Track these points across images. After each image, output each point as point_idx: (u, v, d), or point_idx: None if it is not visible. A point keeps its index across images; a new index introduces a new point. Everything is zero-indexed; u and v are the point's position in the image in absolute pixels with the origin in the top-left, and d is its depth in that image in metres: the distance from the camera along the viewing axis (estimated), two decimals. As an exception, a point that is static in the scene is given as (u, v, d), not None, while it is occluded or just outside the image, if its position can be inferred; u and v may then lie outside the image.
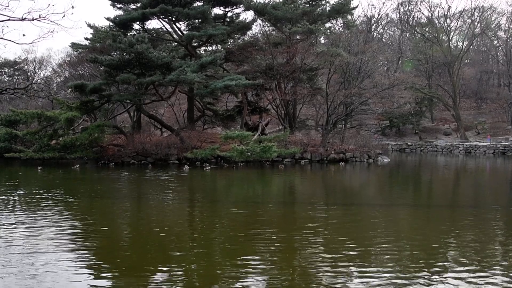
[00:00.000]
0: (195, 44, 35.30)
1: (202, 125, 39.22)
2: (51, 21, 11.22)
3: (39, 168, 24.33)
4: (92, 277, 7.03)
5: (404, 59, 63.78)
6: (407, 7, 67.56)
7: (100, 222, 11.24)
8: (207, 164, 26.65)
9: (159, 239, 9.38)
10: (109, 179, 21.19)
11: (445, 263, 7.67)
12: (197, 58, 31.08)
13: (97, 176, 22.74)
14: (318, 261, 7.90)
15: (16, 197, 14.52)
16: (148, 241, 9.25)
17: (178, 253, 8.35)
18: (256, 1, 33.14)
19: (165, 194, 16.17)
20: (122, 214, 12.71)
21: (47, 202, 13.56)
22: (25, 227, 10.13)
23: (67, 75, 50.97)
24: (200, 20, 33.36)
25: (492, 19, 61.56)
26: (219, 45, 37.43)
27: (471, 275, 7.03)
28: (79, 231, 10.17)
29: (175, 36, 35.19)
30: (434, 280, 6.83)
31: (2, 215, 11.50)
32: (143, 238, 9.58)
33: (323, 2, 35.70)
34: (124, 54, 26.77)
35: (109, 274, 7.21)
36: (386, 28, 76.01)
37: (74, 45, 38.50)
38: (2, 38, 12.46)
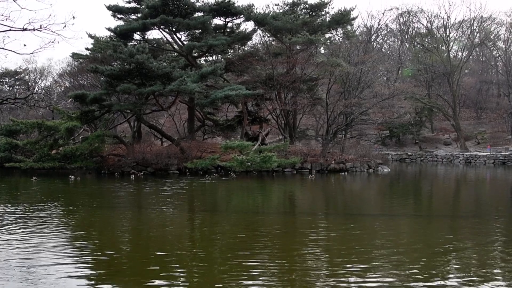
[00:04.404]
0: (195, 54, 35.44)
1: (202, 135, 39.25)
2: (52, 31, 11.25)
3: (34, 178, 24.19)
4: (92, 286, 7.02)
5: (403, 69, 63.99)
6: (406, 17, 67.94)
7: (99, 233, 11.21)
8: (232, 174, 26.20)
9: (159, 250, 9.34)
10: (106, 189, 21.17)
11: (446, 273, 7.63)
12: (197, 68, 31.18)
13: (96, 187, 22.71)
14: (318, 272, 7.87)
15: (9, 209, 14.50)
16: (148, 252, 9.21)
17: (178, 264, 8.31)
18: (256, 12, 33.35)
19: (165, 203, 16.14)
20: (121, 224, 12.68)
21: (43, 213, 13.54)
22: (23, 238, 10.10)
23: (67, 85, 51.17)
24: (200, 30, 33.54)
25: (491, 30, 61.78)
26: (219, 55, 37.58)
27: (473, 285, 7.00)
28: (78, 242, 10.14)
29: (175, 46, 35.34)
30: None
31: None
32: (142, 249, 9.54)
33: (323, 13, 35.95)
34: (125, 64, 26.85)
35: (109, 284, 7.17)
36: (385, 38, 76.36)
37: (75, 55, 38.64)
38: (3, 48, 12.50)
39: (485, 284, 7.10)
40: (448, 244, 9.87)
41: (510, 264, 8.47)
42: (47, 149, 29.00)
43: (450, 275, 7.55)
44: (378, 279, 7.31)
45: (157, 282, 7.19)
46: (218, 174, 27.44)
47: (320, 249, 9.49)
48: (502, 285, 7.06)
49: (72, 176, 24.88)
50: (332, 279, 7.38)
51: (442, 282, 7.16)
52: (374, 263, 8.32)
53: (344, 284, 7.10)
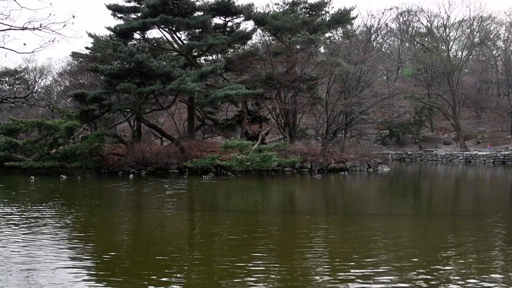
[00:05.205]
0: (195, 54, 35.42)
1: (202, 134, 39.22)
2: (52, 30, 11.28)
3: (31, 177, 24.11)
4: (91, 286, 7.01)
5: (403, 68, 63.98)
6: (406, 17, 67.87)
7: (98, 234, 11.22)
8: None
9: (158, 250, 9.35)
10: (106, 189, 21.16)
11: (446, 273, 7.63)
12: (197, 68, 31.17)
13: (96, 186, 22.70)
14: (319, 272, 7.88)
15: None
16: (147, 253, 9.21)
17: (177, 265, 8.32)
18: (256, 11, 33.33)
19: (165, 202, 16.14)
20: (120, 224, 12.69)
21: (41, 213, 13.55)
22: (21, 239, 10.11)
23: (67, 84, 51.16)
24: (200, 29, 33.53)
25: (491, 29, 61.75)
26: (219, 55, 37.56)
27: (473, 285, 7.01)
28: (76, 243, 10.14)
29: (175, 45, 35.32)
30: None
31: None
32: (142, 249, 9.54)
33: (323, 12, 35.93)
34: (125, 63, 26.83)
35: (108, 284, 7.18)
36: (385, 37, 76.29)
37: (75, 54, 38.59)
38: (3, 47, 12.51)
39: (485, 283, 7.10)
40: (448, 243, 9.88)
41: (510, 263, 8.48)
42: (47, 148, 28.99)
43: (450, 275, 7.56)
44: (378, 279, 7.31)
45: (156, 283, 7.19)
46: (217, 174, 27.43)
47: (320, 249, 9.50)
48: (502, 285, 7.06)
49: (63, 176, 24.58)
50: (332, 279, 7.39)
51: (442, 282, 7.17)
52: (374, 262, 8.32)
53: (344, 284, 7.10)
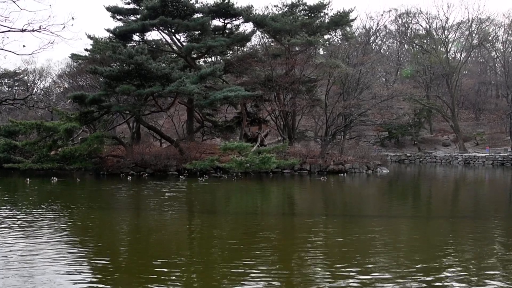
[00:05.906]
0: (194, 56, 35.45)
1: (201, 136, 39.23)
2: (51, 32, 11.30)
3: (27, 179, 24.01)
4: (91, 284, 7.01)
5: (402, 70, 64.05)
6: (405, 19, 67.94)
7: (96, 237, 11.21)
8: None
9: (157, 253, 9.34)
10: (105, 191, 21.14)
11: (446, 274, 7.64)
12: (196, 70, 31.21)
13: (95, 188, 22.67)
14: (318, 274, 7.88)
15: None
16: (146, 256, 9.21)
17: (177, 269, 8.31)
18: (255, 13, 33.36)
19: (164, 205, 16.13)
20: (119, 227, 12.68)
21: (38, 215, 13.53)
22: (20, 241, 10.10)
23: (66, 86, 51.20)
24: (199, 31, 33.57)
25: (490, 31, 61.81)
26: (218, 57, 37.61)
27: (472, 286, 7.02)
28: (75, 245, 10.13)
29: (174, 47, 35.36)
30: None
31: None
32: (141, 250, 9.53)
33: (322, 14, 35.98)
34: (124, 65, 26.85)
35: (106, 286, 7.18)
36: (384, 39, 76.36)
37: (74, 56, 38.62)
38: (2, 49, 12.52)
39: (484, 284, 7.11)
40: (448, 245, 9.88)
41: (509, 264, 8.49)
42: (46, 150, 28.98)
43: (450, 276, 7.56)
44: (378, 281, 7.32)
45: (155, 286, 7.18)
46: (213, 176, 27.40)
47: (320, 252, 9.49)
48: (501, 286, 7.07)
49: (54, 178, 24.43)
50: (332, 282, 7.39)
51: (442, 283, 7.17)
52: (374, 264, 8.33)
53: (344, 286, 7.10)
